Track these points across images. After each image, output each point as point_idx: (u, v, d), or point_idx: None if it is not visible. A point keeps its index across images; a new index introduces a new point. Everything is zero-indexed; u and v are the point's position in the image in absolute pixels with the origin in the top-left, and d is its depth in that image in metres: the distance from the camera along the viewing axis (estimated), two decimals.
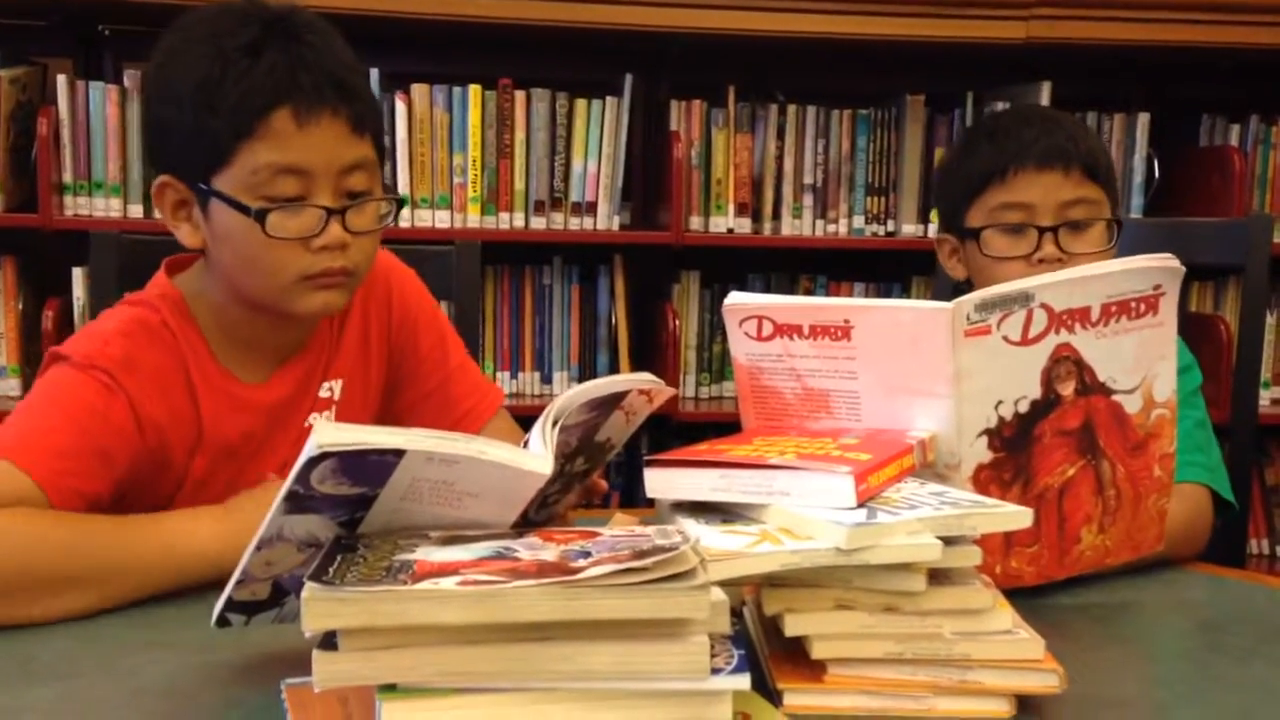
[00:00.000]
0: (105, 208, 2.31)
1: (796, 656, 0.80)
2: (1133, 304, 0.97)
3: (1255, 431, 1.77)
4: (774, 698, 0.79)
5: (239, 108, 1.03)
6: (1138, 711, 0.83)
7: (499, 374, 2.51)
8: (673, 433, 2.49)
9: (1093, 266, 0.98)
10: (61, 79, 2.28)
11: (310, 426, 1.19)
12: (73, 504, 1.01)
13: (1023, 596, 0.97)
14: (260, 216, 1.05)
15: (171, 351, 1.12)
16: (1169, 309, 0.99)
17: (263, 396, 1.18)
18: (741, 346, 1.02)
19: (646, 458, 0.88)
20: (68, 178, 2.30)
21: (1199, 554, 1.22)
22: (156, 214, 1.15)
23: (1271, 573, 2.66)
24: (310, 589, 0.66)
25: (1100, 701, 0.82)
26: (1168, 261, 0.97)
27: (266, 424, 1.18)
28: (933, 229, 2.50)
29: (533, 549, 0.74)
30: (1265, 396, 2.64)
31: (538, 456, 0.79)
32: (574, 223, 2.44)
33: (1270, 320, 2.64)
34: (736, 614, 0.88)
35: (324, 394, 1.22)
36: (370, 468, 0.75)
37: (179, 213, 1.11)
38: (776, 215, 2.54)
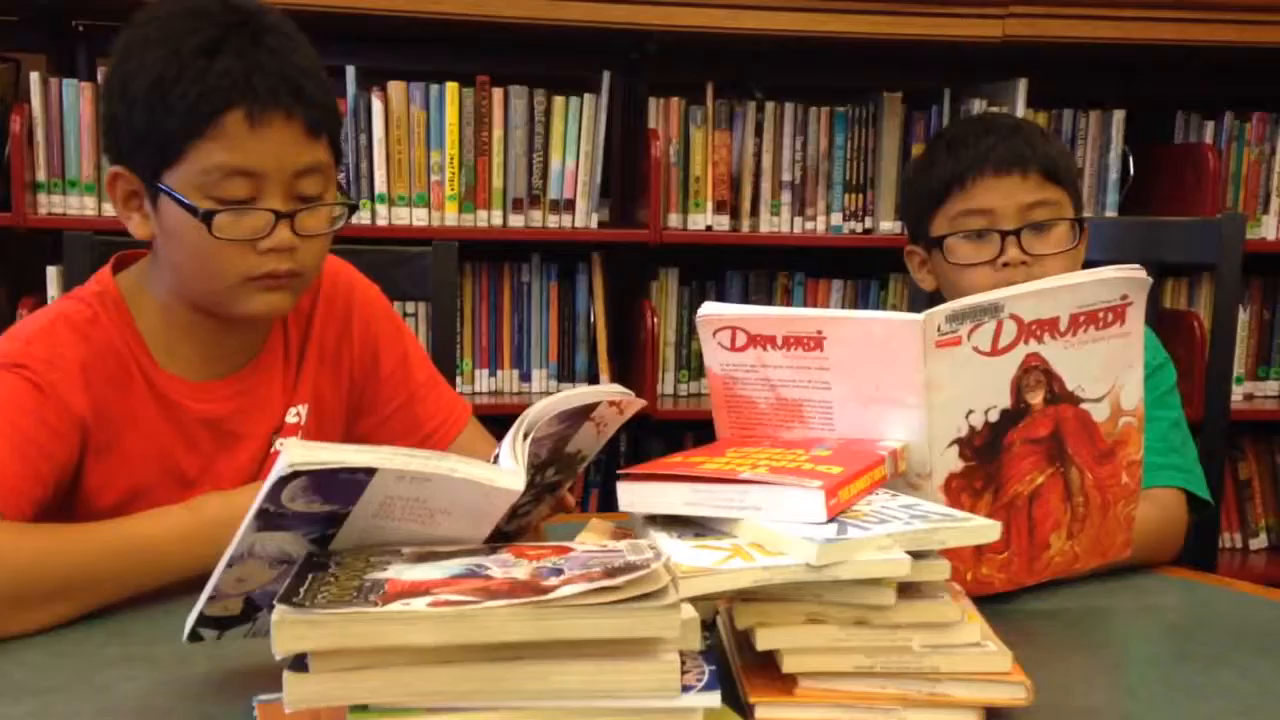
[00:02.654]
0: (80, 206, 2.30)
1: (768, 669, 0.80)
2: (1100, 314, 0.98)
3: (1228, 427, 1.79)
4: (745, 711, 0.80)
5: (193, 108, 1.04)
6: None
7: (478, 372, 2.51)
8: (652, 430, 2.51)
9: (1061, 278, 0.99)
10: (35, 76, 2.27)
11: (276, 451, 1.19)
12: (24, 511, 1.02)
13: (993, 602, 0.98)
14: (207, 218, 1.05)
15: (100, 348, 1.11)
16: (1136, 319, 1.00)
17: (207, 406, 1.17)
18: (715, 356, 1.02)
19: (619, 471, 0.88)
20: (41, 176, 2.28)
21: (1174, 558, 1.23)
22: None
23: (1244, 566, 2.69)
24: (280, 611, 0.66)
25: (1068, 711, 0.83)
26: (1135, 272, 0.98)
27: (212, 437, 1.17)
28: None
29: (505, 566, 0.74)
30: (1238, 392, 2.67)
31: (510, 473, 0.79)
32: (552, 220, 2.44)
33: (1243, 316, 2.67)
34: (709, 625, 0.89)
35: (291, 419, 1.22)
36: (341, 486, 0.75)
37: (130, 203, 1.11)
38: (755, 213, 2.54)
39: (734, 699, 0.80)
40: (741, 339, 1.00)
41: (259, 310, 1.11)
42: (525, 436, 0.83)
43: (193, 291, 1.12)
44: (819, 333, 0.97)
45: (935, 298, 1.44)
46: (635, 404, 0.93)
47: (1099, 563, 1.06)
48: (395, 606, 0.67)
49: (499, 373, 2.53)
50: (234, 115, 1.04)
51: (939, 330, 0.93)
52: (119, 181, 1.11)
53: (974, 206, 1.35)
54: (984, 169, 1.34)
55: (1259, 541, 2.77)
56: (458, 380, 2.42)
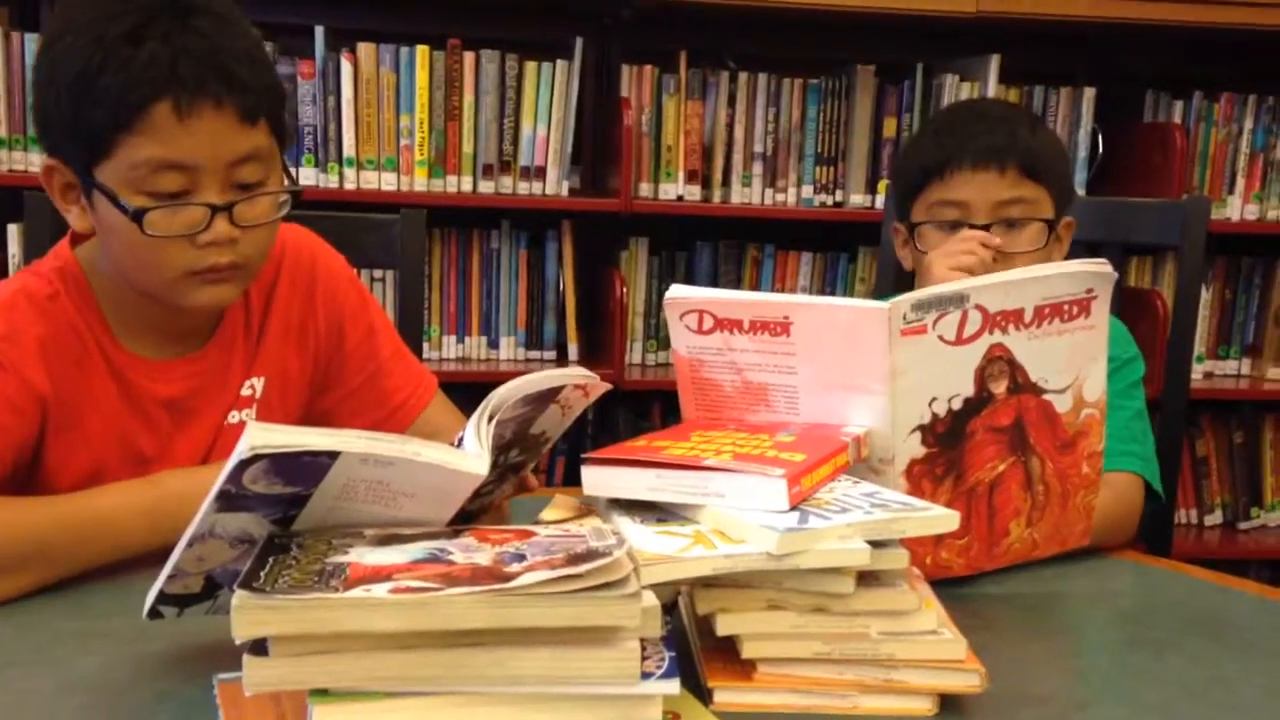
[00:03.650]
0: (41, 163, 2.25)
1: (727, 654, 0.81)
2: (1065, 307, 0.99)
3: (1187, 405, 1.81)
4: (704, 694, 0.81)
5: (118, 101, 0.99)
6: (1057, 708, 0.85)
7: (445, 338, 2.50)
8: (619, 401, 2.51)
9: (1027, 270, 0.99)
10: None
11: (230, 424, 1.19)
12: None
13: (951, 586, 1.00)
14: (138, 216, 1.01)
15: (60, 325, 1.09)
16: (1100, 312, 1.01)
17: (166, 386, 1.15)
18: (682, 339, 1.02)
19: (584, 455, 0.89)
20: (2, 132, 2.24)
21: (1129, 540, 1.25)
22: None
23: (1199, 542, 2.73)
24: (240, 597, 0.66)
25: (1021, 698, 0.84)
26: (1100, 266, 0.99)
27: (170, 417, 1.16)
28: (880, 200, 2.51)
29: (467, 551, 0.75)
30: (1198, 370, 2.70)
31: (473, 457, 0.79)
32: (522, 187, 2.43)
33: (1205, 295, 2.70)
34: (670, 608, 0.89)
35: (245, 392, 1.20)
36: (304, 469, 0.75)
37: (68, 195, 1.07)
38: (726, 183, 2.54)
39: (694, 682, 0.81)
40: (709, 322, 1.00)
41: (204, 303, 1.09)
42: (490, 419, 0.82)
43: (136, 284, 1.10)
44: (786, 318, 0.97)
45: (914, 277, 1.45)
46: (600, 388, 0.93)
47: (1057, 550, 1.08)
48: (356, 593, 0.67)
49: (466, 340, 2.52)
50: (161, 107, 0.99)
51: (904, 318, 0.93)
52: (55, 174, 1.07)
53: (949, 197, 1.35)
54: (962, 160, 1.34)
55: (1214, 518, 2.81)
56: (425, 347, 2.41)
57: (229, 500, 0.75)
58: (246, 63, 1.04)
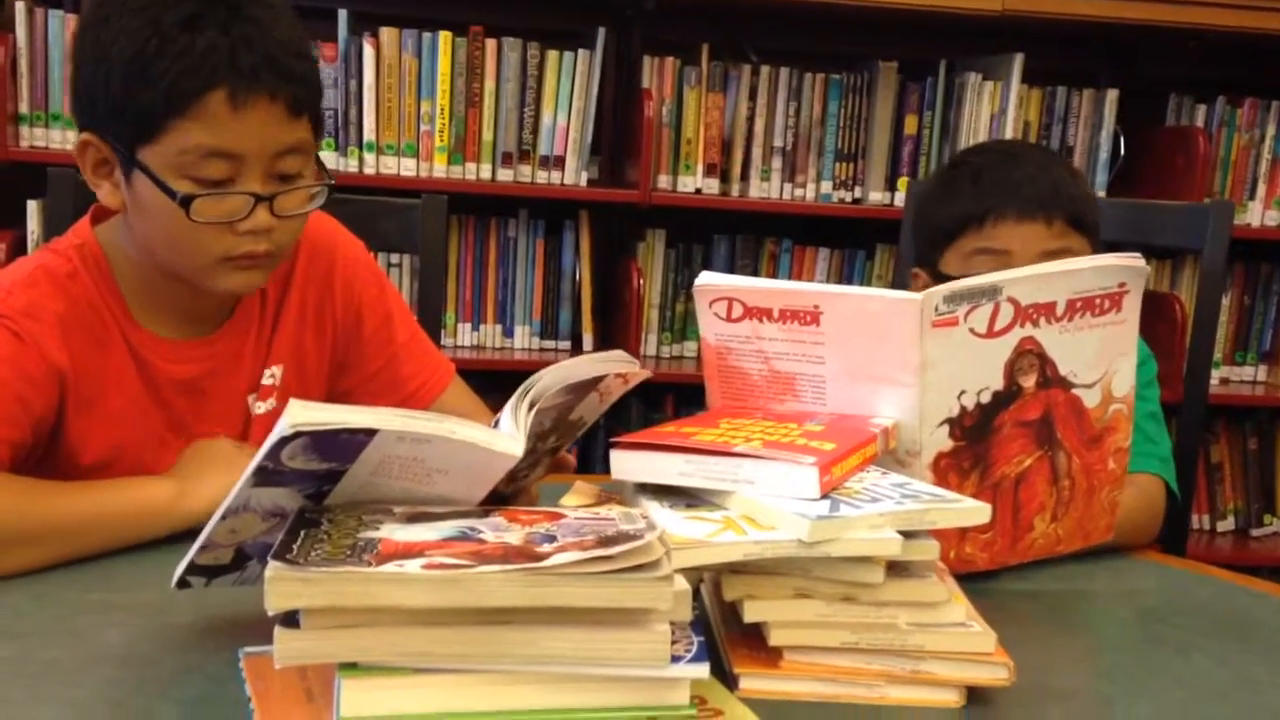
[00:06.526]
0: (62, 139, 2.26)
1: (753, 640, 0.81)
2: (1097, 301, 0.98)
3: (1204, 411, 1.80)
4: (729, 680, 0.80)
5: (174, 86, 0.99)
6: (1082, 704, 0.85)
7: (460, 325, 2.50)
8: (633, 391, 2.50)
9: (1059, 263, 0.99)
10: (20, 6, 2.22)
11: (257, 414, 1.20)
12: (1, 453, 1.02)
13: (975, 581, 0.99)
14: (186, 202, 1.02)
15: (80, 303, 1.10)
16: (1132, 307, 1.00)
17: (181, 367, 1.16)
18: (711, 326, 1.02)
19: (612, 440, 0.88)
20: (24, 108, 2.24)
21: (1151, 540, 1.25)
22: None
23: (1211, 548, 2.73)
24: (274, 568, 0.66)
25: (1047, 693, 0.84)
26: (1133, 261, 0.99)
27: (185, 397, 1.16)
28: (899, 198, 2.51)
29: (497, 530, 0.75)
30: (1214, 376, 2.69)
31: (509, 437, 0.79)
32: (541, 176, 2.42)
33: (1223, 301, 2.69)
34: (694, 593, 0.89)
35: (267, 380, 1.21)
36: (341, 445, 0.75)
37: (100, 171, 1.08)
38: (745, 177, 2.53)
39: (718, 668, 0.80)
40: (738, 310, 1.00)
41: (233, 288, 1.10)
42: (531, 407, 0.82)
43: (165, 265, 1.10)
44: (816, 308, 0.97)
45: None
46: (640, 375, 0.93)
47: (1081, 546, 1.07)
48: (389, 567, 0.67)
49: (482, 327, 2.52)
50: (217, 95, 1.00)
51: (936, 310, 0.93)
52: (89, 149, 1.07)
53: (990, 246, 1.29)
54: (1007, 210, 1.28)
55: (1226, 524, 2.81)
56: (440, 334, 2.41)
57: (266, 475, 0.75)
58: (298, 57, 1.05)
